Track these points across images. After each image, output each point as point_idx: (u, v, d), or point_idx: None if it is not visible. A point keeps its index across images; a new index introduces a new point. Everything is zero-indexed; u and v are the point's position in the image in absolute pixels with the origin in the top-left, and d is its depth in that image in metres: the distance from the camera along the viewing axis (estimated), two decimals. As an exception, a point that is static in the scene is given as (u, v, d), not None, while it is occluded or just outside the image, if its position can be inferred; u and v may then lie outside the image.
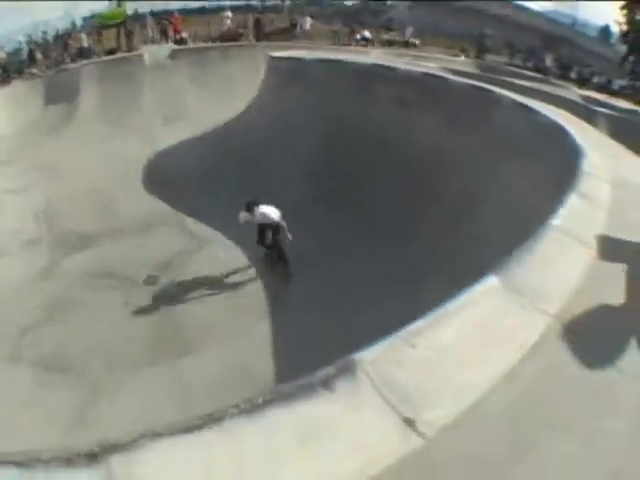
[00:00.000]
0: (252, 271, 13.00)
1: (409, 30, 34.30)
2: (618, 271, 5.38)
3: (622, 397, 3.85)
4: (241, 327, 10.83)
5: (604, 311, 4.72)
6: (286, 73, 18.82)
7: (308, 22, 31.89)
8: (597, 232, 6.07)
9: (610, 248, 5.78)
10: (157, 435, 3.13)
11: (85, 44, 29.16)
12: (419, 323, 4.11)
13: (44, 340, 11.22)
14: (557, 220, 6.10)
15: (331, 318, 10.20)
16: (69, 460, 2.98)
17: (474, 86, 14.59)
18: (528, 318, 4.45)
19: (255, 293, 12.03)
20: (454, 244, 11.28)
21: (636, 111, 28.03)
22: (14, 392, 9.75)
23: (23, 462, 2.97)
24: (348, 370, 3.59)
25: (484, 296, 4.57)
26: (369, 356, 3.74)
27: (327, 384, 3.47)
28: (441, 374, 3.75)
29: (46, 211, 16.74)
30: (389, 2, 53.39)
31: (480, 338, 4.12)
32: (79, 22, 41.29)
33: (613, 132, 21.13)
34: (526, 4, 54.29)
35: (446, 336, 4.01)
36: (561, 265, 5.34)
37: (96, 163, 18.90)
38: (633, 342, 4.35)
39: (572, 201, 6.75)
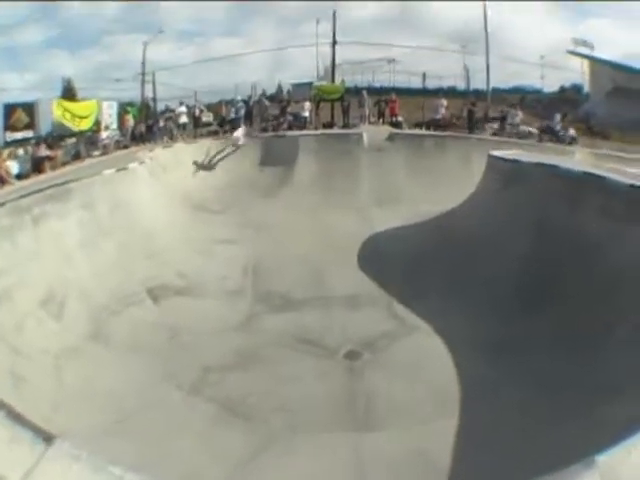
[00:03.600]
0: (450, 364, 12.57)
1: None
2: None
3: None
4: (429, 416, 10.63)
5: None
6: (503, 174, 18.90)
7: (517, 116, 31.72)
8: None
9: None
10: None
11: (307, 113, 30.42)
12: (636, 437, 4.85)
13: (229, 384, 11.67)
14: None
15: (520, 422, 9.73)
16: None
17: None
18: None
19: (450, 386, 11.55)
20: None
21: None
22: (186, 420, 10.29)
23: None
24: (589, 467, 4.45)
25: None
26: (603, 458, 4.53)
27: (577, 475, 4.40)
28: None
29: (255, 267, 17.60)
30: (585, 90, 52.53)
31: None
32: (286, 87, 43.40)
33: None
34: None
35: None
36: None
37: (308, 231, 19.68)
38: None
39: None
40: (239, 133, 26.31)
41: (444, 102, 32.17)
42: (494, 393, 10.91)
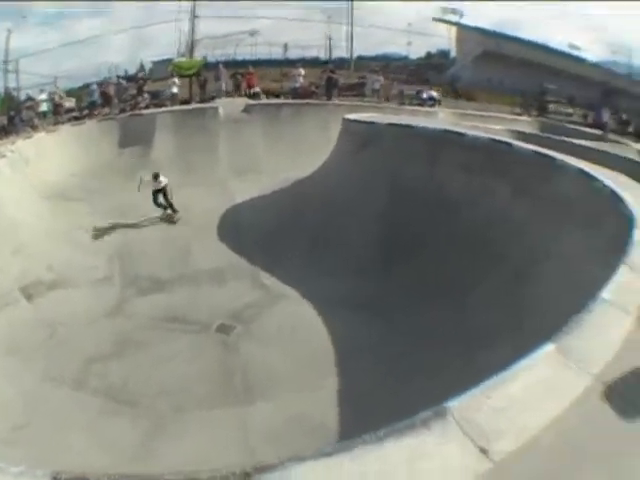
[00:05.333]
0: (321, 326, 13.21)
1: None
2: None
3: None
4: (307, 380, 11.09)
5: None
6: (358, 136, 19.05)
7: (378, 81, 32.38)
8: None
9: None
10: (300, 459, 4.25)
11: (175, 90, 30.06)
12: (493, 380, 5.21)
13: (110, 373, 11.75)
14: (606, 293, 6.91)
15: (395, 374, 10.38)
16: (225, 477, 4.17)
17: (537, 153, 14.62)
18: (576, 377, 5.48)
19: (323, 348, 12.25)
20: (513, 307, 11.31)
21: None
22: (75, 416, 10.30)
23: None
24: (441, 414, 4.68)
25: (542, 360, 5.60)
26: (456, 404, 4.82)
27: (425, 424, 4.57)
28: (507, 417, 4.82)
29: (120, 252, 17.49)
30: (452, 56, 53.83)
31: (537, 392, 5.17)
32: (148, 66, 42.50)
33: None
34: (583, 55, 54.42)
35: (512, 390, 5.09)
36: (606, 334, 6.26)
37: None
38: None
39: (621, 273, 7.58)
40: None
41: (302, 71, 32.34)
42: (370, 350, 11.53)
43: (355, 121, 20.11)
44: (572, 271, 10.42)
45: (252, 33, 48.79)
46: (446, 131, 16.82)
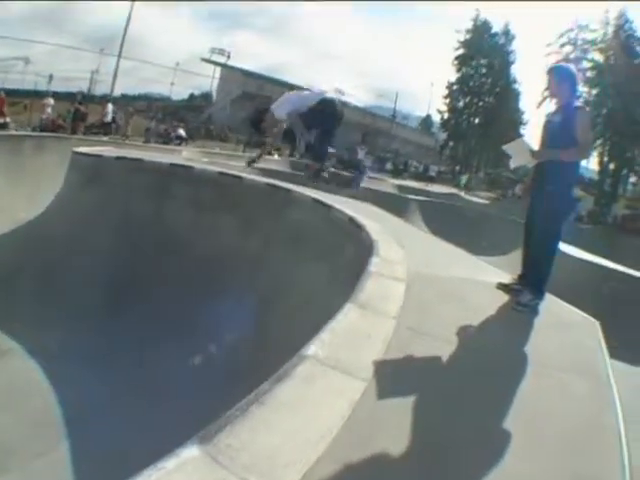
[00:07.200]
0: (47, 384, 11.96)
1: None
2: (389, 407, 4.20)
3: None
4: (42, 447, 10.02)
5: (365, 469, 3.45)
6: (87, 170, 18.73)
7: (111, 115, 32.88)
8: (372, 356, 4.85)
9: (385, 376, 4.58)
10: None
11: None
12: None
13: None
14: (315, 347, 4.70)
15: (138, 423, 9.80)
16: None
17: (270, 185, 15.30)
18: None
19: (53, 407, 11.15)
20: (251, 347, 11.35)
21: (451, 194, 31.29)
22: None
23: None
24: None
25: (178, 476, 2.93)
26: None
27: None
28: None
29: None
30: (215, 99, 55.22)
31: None
32: None
33: (423, 217, 22.78)
34: (346, 99, 58.10)
35: None
36: (311, 415, 3.83)
37: None
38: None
39: (344, 318, 5.51)
40: None
41: (51, 101, 32.57)
42: (104, 405, 10.80)
43: (83, 154, 19.69)
44: (313, 306, 10.30)
45: (26, 61, 47.25)
46: (174, 165, 17.02)
